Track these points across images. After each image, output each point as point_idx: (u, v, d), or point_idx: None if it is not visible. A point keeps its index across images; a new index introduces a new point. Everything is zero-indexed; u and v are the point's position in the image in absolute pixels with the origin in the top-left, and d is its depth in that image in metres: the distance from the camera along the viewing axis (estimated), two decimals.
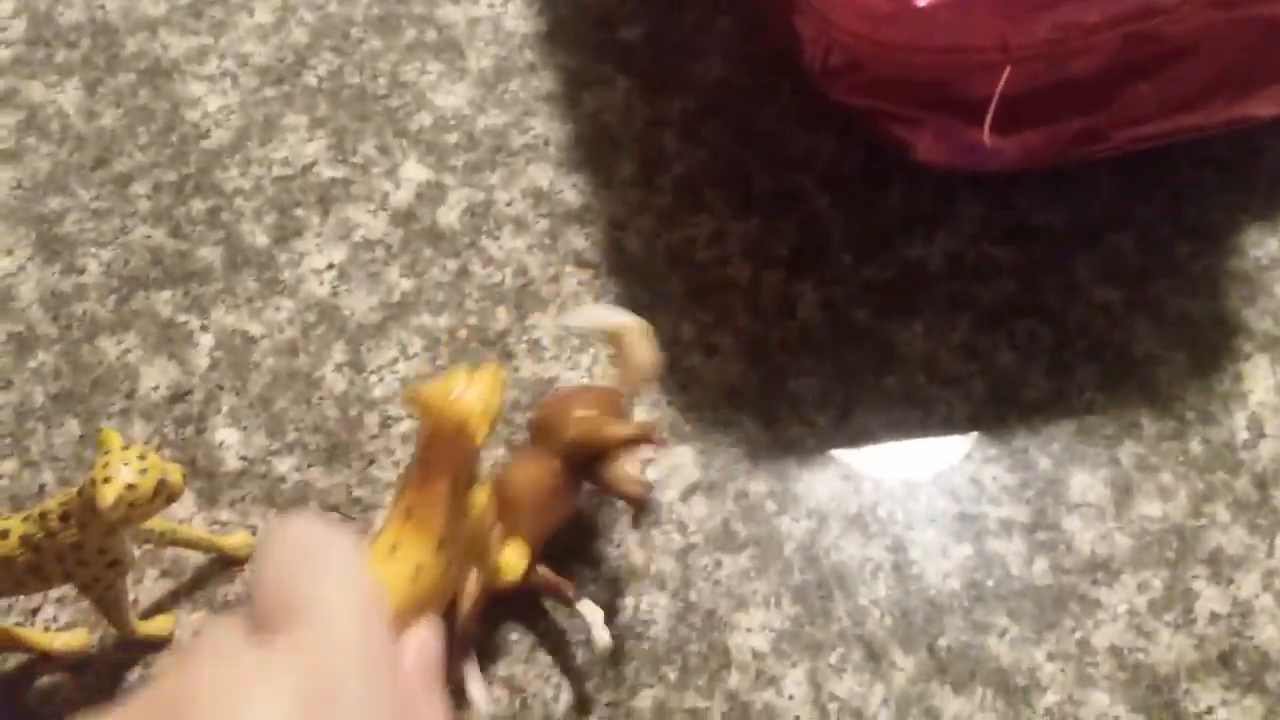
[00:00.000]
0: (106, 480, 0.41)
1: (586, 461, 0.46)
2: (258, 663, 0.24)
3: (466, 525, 0.42)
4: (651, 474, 0.54)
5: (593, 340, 0.58)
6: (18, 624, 0.49)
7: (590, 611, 0.47)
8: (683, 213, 0.62)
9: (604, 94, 0.67)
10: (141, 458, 0.42)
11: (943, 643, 0.50)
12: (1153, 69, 0.56)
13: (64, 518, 0.42)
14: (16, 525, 0.43)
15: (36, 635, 0.48)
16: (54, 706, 0.48)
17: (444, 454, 0.41)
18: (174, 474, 0.43)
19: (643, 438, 0.46)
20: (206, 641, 0.25)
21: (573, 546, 0.52)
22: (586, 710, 0.48)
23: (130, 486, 0.41)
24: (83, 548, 0.43)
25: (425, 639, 0.29)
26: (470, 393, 0.41)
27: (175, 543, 0.49)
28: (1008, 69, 0.49)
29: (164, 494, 0.42)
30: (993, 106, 0.51)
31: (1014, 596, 0.51)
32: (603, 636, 0.46)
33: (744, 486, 0.53)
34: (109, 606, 0.46)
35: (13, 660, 0.49)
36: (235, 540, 0.51)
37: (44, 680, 0.49)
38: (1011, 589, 0.51)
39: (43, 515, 0.42)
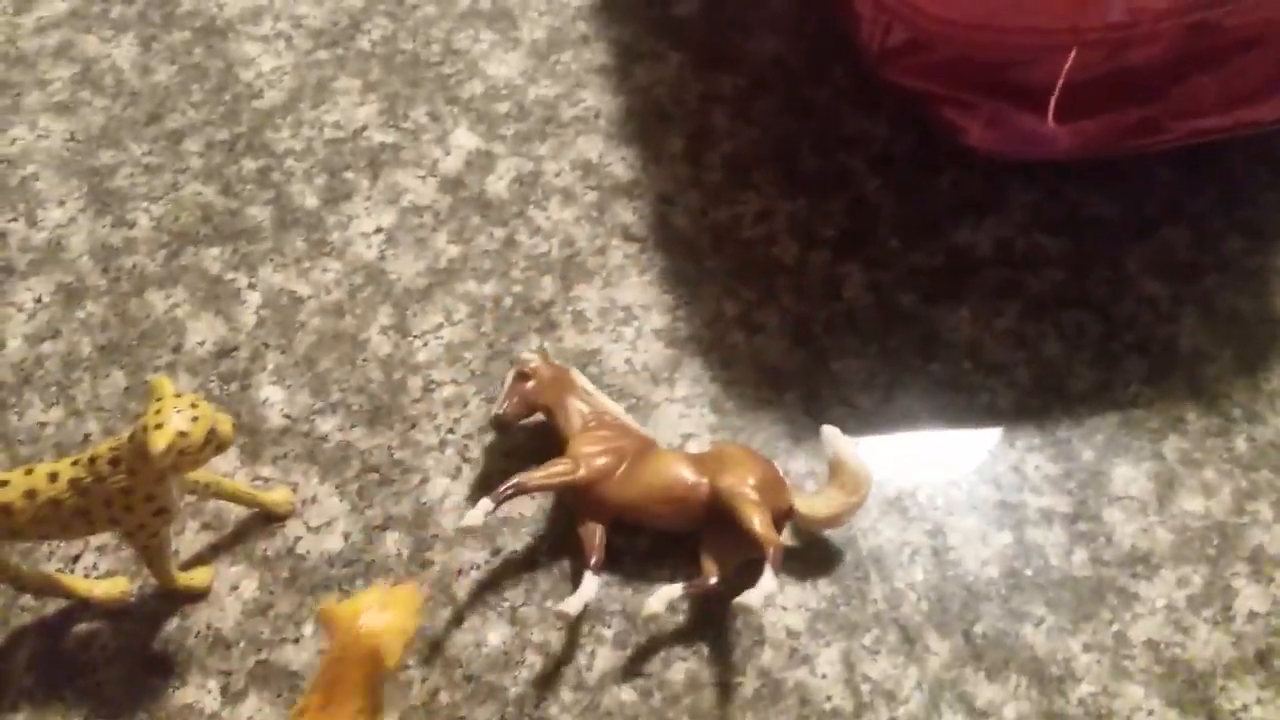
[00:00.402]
0: (159, 426, 0.41)
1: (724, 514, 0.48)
2: None
3: None
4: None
5: (636, 313, 0.58)
6: (59, 570, 0.50)
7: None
8: (731, 190, 0.62)
9: (656, 68, 0.67)
10: (194, 405, 0.42)
11: (979, 629, 0.49)
12: (1214, 61, 0.55)
13: (114, 463, 0.42)
14: (65, 469, 0.43)
15: (78, 581, 0.49)
16: (92, 653, 0.49)
17: (352, 675, 0.40)
18: (224, 424, 0.43)
19: (764, 548, 0.46)
20: None
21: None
22: (619, 680, 0.48)
23: (182, 434, 0.41)
24: (131, 493, 0.43)
25: None
26: (384, 617, 0.40)
27: (219, 495, 0.49)
28: (1074, 52, 0.49)
29: (214, 443, 0.43)
30: (1057, 90, 0.50)
31: (1052, 586, 0.51)
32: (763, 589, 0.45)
33: (785, 465, 0.53)
34: (152, 555, 0.47)
35: (53, 605, 0.50)
36: (277, 496, 0.51)
37: (83, 626, 0.49)
38: (1050, 579, 0.51)
39: (92, 460, 0.43)
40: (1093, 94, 0.55)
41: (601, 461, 0.49)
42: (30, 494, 0.43)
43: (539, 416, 0.52)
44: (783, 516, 0.48)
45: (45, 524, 0.43)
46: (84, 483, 0.43)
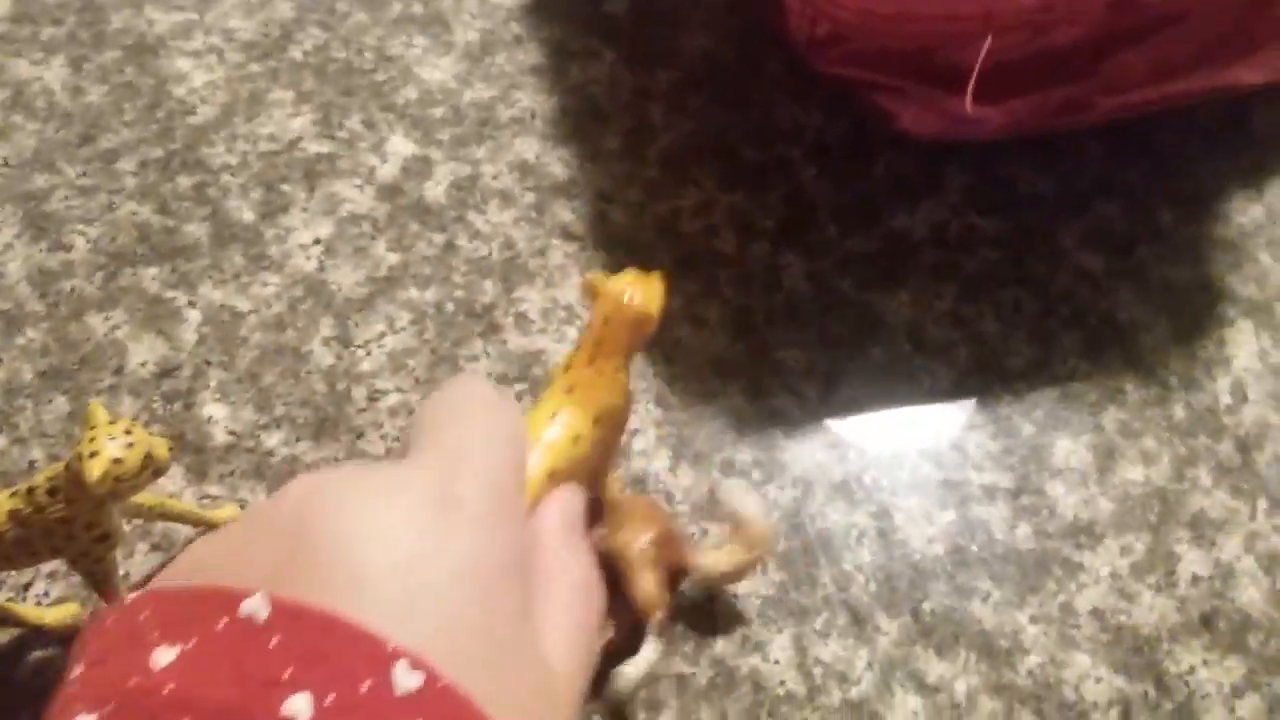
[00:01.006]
0: (93, 455, 0.41)
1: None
2: (383, 473, 0.26)
3: (619, 407, 0.43)
4: (640, 444, 0.54)
5: (579, 311, 0.58)
6: (9, 599, 0.50)
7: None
8: (669, 185, 0.62)
9: (590, 67, 0.67)
10: (128, 432, 0.42)
11: (926, 607, 0.50)
12: (1138, 37, 0.56)
13: (51, 493, 0.42)
14: (4, 501, 0.43)
15: (29, 610, 0.49)
16: (47, 679, 0.48)
17: (619, 337, 0.42)
18: (160, 448, 0.43)
19: (646, 614, 0.46)
20: (337, 467, 0.26)
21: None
22: None
23: (116, 460, 0.41)
24: (71, 522, 0.43)
25: (569, 497, 0.31)
26: (643, 289, 0.43)
27: (165, 517, 0.49)
28: (989, 38, 0.49)
29: (150, 468, 0.43)
30: (974, 77, 0.51)
31: (997, 561, 0.51)
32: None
33: (730, 456, 0.54)
34: (99, 581, 0.46)
35: (4, 634, 0.49)
36: (225, 514, 0.51)
37: (37, 654, 0.49)
38: (995, 553, 0.51)
39: (30, 491, 0.43)
40: (1019, 74, 0.56)
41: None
42: None
43: None
44: (678, 575, 0.47)
45: None
46: (23, 514, 0.43)
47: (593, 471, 0.43)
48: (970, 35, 0.51)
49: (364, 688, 0.24)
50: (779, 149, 0.63)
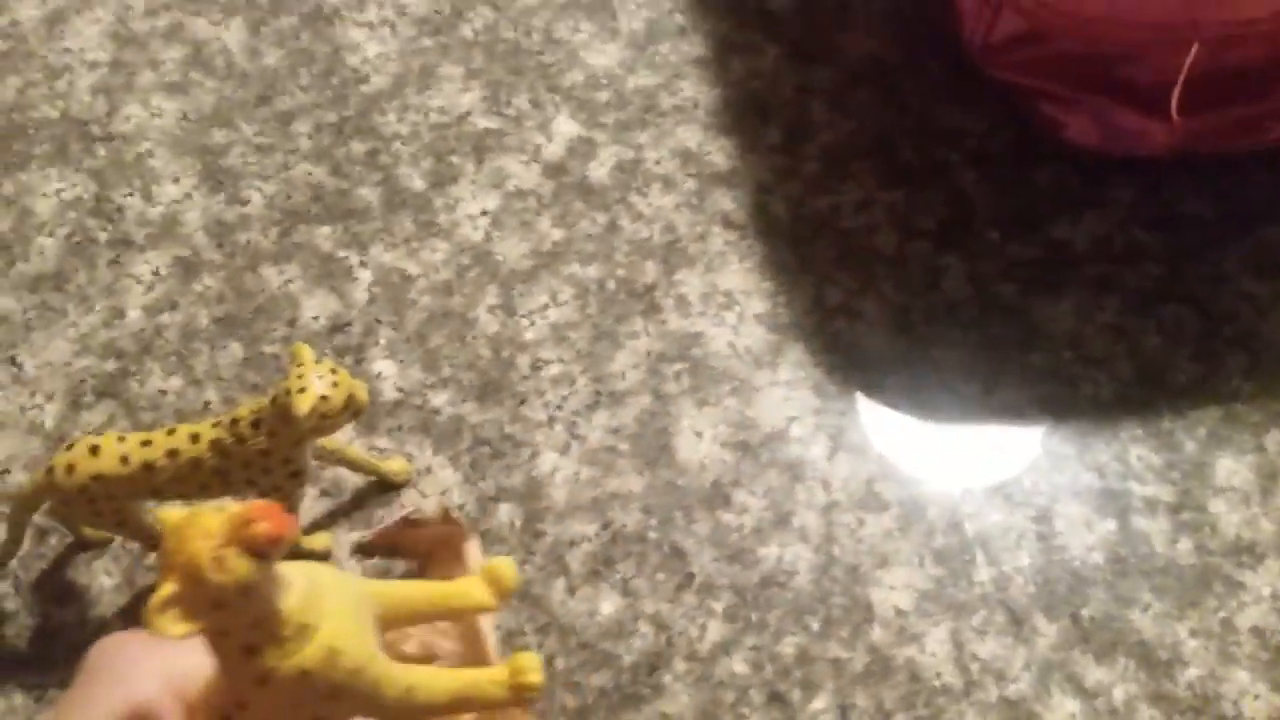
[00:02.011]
0: (301, 390, 0.42)
1: None
2: None
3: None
4: (798, 431, 0.55)
5: (737, 298, 0.59)
6: None
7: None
8: (829, 180, 0.63)
9: (752, 61, 0.68)
10: (333, 371, 0.43)
11: (1086, 613, 0.50)
12: None
13: (255, 425, 0.44)
14: (207, 430, 0.44)
15: None
16: None
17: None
18: (360, 391, 0.44)
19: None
20: None
21: (709, 498, 0.53)
22: (730, 651, 0.49)
23: (323, 398, 0.42)
24: (269, 455, 0.44)
25: None
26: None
27: (342, 462, 0.50)
28: (1195, 48, 0.49)
29: (351, 408, 0.44)
30: (1179, 86, 0.51)
31: (1157, 573, 0.51)
32: None
33: (888, 450, 0.54)
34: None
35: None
36: (394, 465, 0.53)
37: None
38: (1155, 566, 0.51)
39: (234, 422, 0.44)
40: (1198, 92, 0.56)
41: (410, 653, 0.45)
42: (172, 454, 0.44)
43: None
44: None
45: (184, 484, 0.45)
46: (225, 444, 0.44)
47: None
48: (1171, 43, 0.51)
49: None
50: (940, 152, 0.63)
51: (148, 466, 0.44)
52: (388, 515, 0.52)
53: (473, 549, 0.47)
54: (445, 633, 0.46)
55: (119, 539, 0.51)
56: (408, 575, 0.50)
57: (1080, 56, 0.56)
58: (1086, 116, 0.60)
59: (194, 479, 0.45)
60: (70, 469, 0.44)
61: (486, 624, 0.45)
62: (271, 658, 0.31)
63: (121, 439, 0.44)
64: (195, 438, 0.44)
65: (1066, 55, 0.56)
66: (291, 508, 0.48)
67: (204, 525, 0.29)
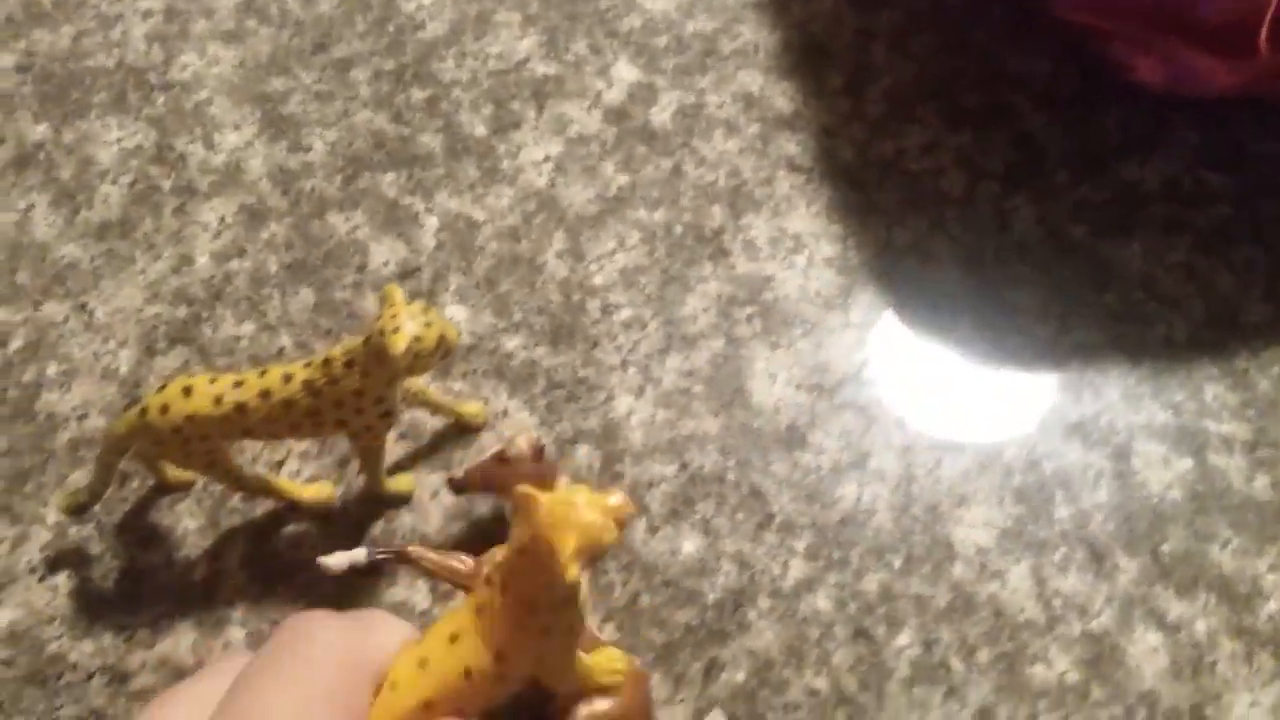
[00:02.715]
0: (395, 330, 0.42)
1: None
2: None
3: (545, 645, 0.38)
4: (871, 373, 0.55)
5: (805, 241, 0.59)
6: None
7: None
8: (894, 123, 0.63)
9: (811, 4, 0.67)
10: (425, 311, 0.43)
11: (1165, 549, 0.50)
12: None
13: (348, 365, 0.44)
14: (300, 371, 0.44)
15: (289, 484, 0.50)
16: (302, 552, 0.50)
17: (532, 577, 0.36)
18: (451, 331, 0.44)
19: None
20: None
21: (785, 439, 0.53)
22: (813, 589, 0.49)
23: (417, 338, 0.43)
24: (362, 395, 0.44)
25: None
26: (588, 515, 0.35)
27: (424, 403, 0.51)
28: None
29: (443, 348, 0.44)
30: (1269, 16, 0.50)
31: (1235, 509, 0.51)
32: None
33: (964, 389, 0.54)
34: (371, 458, 0.48)
35: (260, 509, 0.51)
36: (471, 408, 0.53)
37: (291, 528, 0.51)
38: (1232, 502, 0.51)
39: (327, 362, 0.44)
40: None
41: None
42: (265, 394, 0.44)
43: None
44: None
45: (276, 424, 0.45)
46: (317, 384, 0.44)
47: (496, 702, 0.38)
48: None
49: None
50: (1005, 94, 0.63)
51: (240, 407, 0.44)
52: (474, 455, 0.52)
53: (563, 487, 0.47)
54: None
55: (201, 482, 0.52)
56: (498, 511, 0.51)
57: None
58: (1156, 58, 0.59)
59: (286, 419, 0.45)
60: (164, 409, 0.44)
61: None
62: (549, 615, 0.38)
63: (214, 380, 0.44)
64: (288, 378, 0.44)
65: None
66: (379, 450, 0.48)
67: (591, 499, 0.36)
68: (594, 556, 0.36)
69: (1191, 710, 0.47)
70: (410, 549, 0.45)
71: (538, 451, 0.47)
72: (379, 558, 0.44)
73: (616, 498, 0.36)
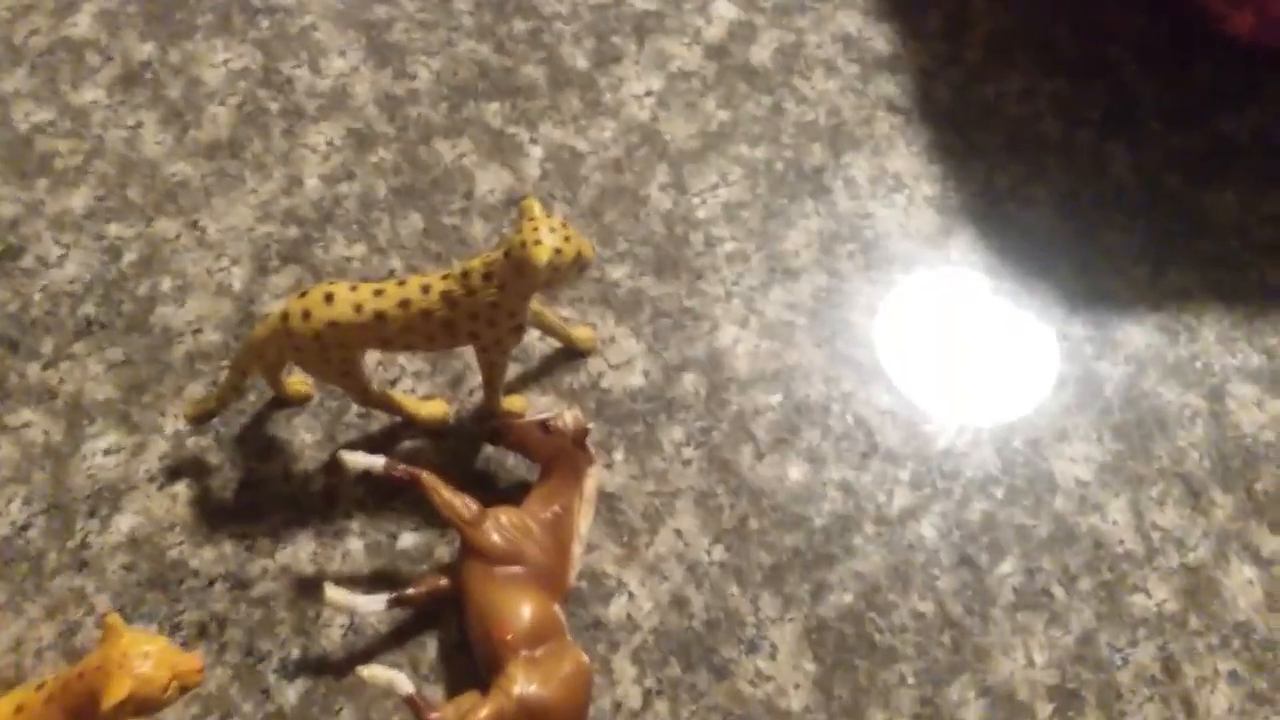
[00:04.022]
0: (537, 243, 0.43)
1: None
2: None
3: None
4: (971, 310, 0.56)
5: (906, 181, 0.60)
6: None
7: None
8: (992, 68, 0.63)
9: None
10: (564, 226, 0.44)
11: (1259, 486, 0.52)
12: None
13: (486, 277, 0.45)
14: (437, 282, 0.45)
15: (407, 400, 0.52)
16: (418, 463, 0.52)
17: (80, 700, 0.39)
18: (587, 246, 0.45)
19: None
20: None
21: (888, 371, 0.54)
22: (917, 516, 0.51)
23: (557, 250, 0.43)
24: (498, 308, 0.45)
25: None
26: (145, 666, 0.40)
27: (541, 324, 0.52)
28: None
29: (580, 262, 0.45)
30: None
31: None
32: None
33: (1063, 329, 0.55)
34: (495, 371, 0.49)
35: (375, 424, 0.53)
36: (583, 333, 0.54)
37: (407, 444, 0.52)
38: None
39: (465, 274, 0.45)
40: None
41: (496, 542, 0.46)
42: (404, 304, 0.45)
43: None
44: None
45: (413, 333, 0.46)
46: (455, 295, 0.45)
47: None
48: None
49: None
50: (1100, 44, 0.64)
51: (380, 315, 0.45)
52: (534, 412, 0.52)
53: (592, 479, 0.48)
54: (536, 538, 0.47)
55: (317, 397, 0.53)
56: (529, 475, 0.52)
57: None
58: (1249, 10, 0.60)
59: (422, 329, 0.46)
60: (306, 315, 0.45)
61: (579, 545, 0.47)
62: None
63: (354, 288, 0.45)
64: (426, 289, 0.45)
65: None
66: (503, 366, 0.49)
67: (164, 655, 0.40)
68: (142, 710, 0.39)
69: None
70: (425, 476, 0.46)
71: (580, 433, 0.48)
72: (395, 473, 0.46)
73: (193, 661, 0.40)
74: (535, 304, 0.51)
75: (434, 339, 0.47)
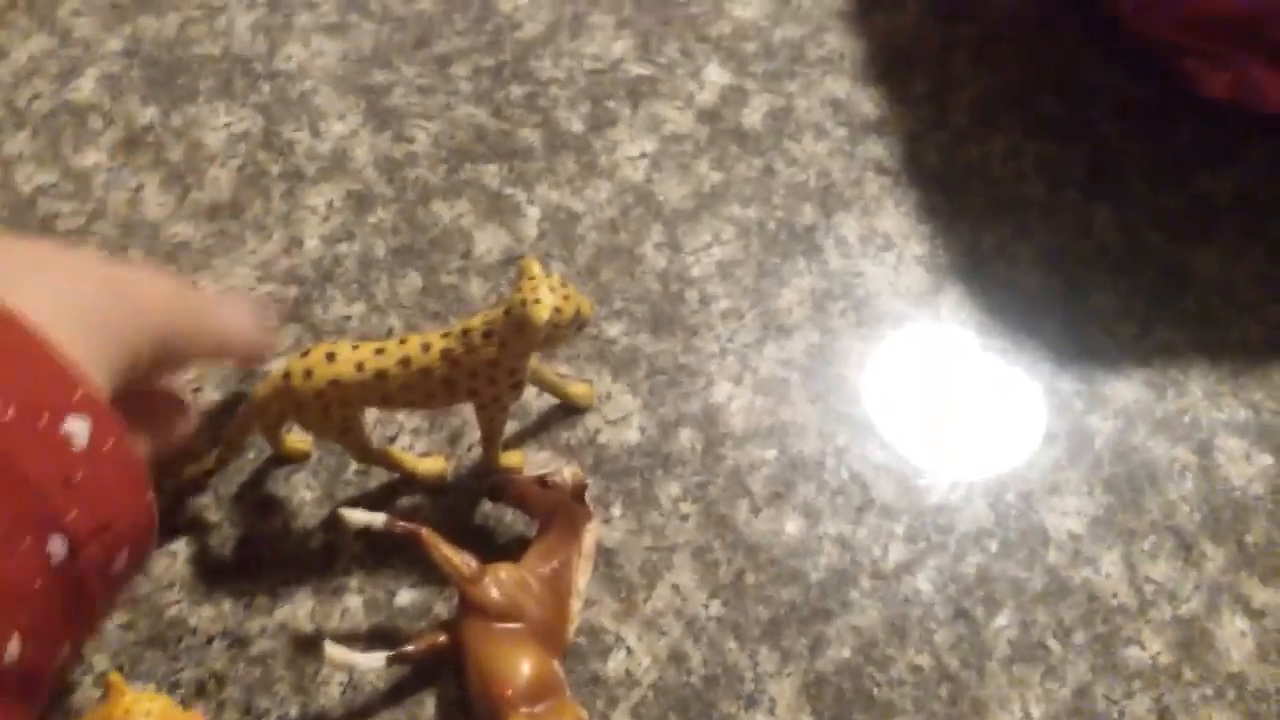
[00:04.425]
0: (536, 301, 0.44)
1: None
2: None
3: None
4: (961, 368, 0.57)
5: (895, 241, 0.61)
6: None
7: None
8: (977, 130, 0.65)
9: (894, 16, 0.70)
10: (564, 285, 0.45)
11: (1249, 539, 0.52)
12: None
13: (486, 335, 0.45)
14: (438, 340, 0.46)
15: (406, 456, 0.52)
16: (417, 523, 0.52)
17: None
18: (586, 304, 0.46)
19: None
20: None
21: (881, 427, 0.55)
22: (912, 570, 0.51)
23: (557, 309, 0.44)
24: (497, 365, 0.46)
25: None
26: None
27: (539, 381, 0.52)
28: None
29: (578, 320, 0.46)
30: None
31: None
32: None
33: (1051, 384, 0.56)
34: (494, 427, 0.50)
35: (374, 481, 0.53)
36: (579, 389, 0.54)
37: (405, 501, 0.53)
38: None
39: (465, 332, 0.46)
40: None
41: (495, 598, 0.46)
42: (405, 361, 0.46)
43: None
44: None
45: (413, 391, 0.47)
46: (455, 353, 0.46)
47: None
48: None
49: None
50: (1084, 105, 0.65)
51: (380, 374, 0.46)
52: (530, 468, 0.53)
53: (590, 534, 0.48)
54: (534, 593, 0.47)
55: (316, 455, 0.53)
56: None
57: (1228, 16, 0.58)
58: (1229, 74, 0.62)
59: (423, 387, 0.46)
60: (308, 374, 0.46)
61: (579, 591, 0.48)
62: None
63: (356, 346, 0.46)
64: (426, 347, 0.46)
65: (1215, 13, 0.58)
66: (501, 422, 0.50)
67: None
68: None
69: (1278, 691, 0.49)
70: (425, 532, 0.46)
71: (579, 489, 0.48)
72: (395, 530, 0.46)
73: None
74: (533, 361, 0.52)
75: (434, 396, 0.47)
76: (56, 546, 0.32)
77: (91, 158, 0.62)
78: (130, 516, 0.36)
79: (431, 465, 0.53)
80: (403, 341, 0.46)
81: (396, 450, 0.52)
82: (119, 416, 0.36)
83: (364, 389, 0.46)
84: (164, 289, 0.44)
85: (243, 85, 0.66)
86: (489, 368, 0.46)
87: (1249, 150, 0.64)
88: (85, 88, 0.65)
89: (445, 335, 0.46)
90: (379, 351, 0.46)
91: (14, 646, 0.32)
